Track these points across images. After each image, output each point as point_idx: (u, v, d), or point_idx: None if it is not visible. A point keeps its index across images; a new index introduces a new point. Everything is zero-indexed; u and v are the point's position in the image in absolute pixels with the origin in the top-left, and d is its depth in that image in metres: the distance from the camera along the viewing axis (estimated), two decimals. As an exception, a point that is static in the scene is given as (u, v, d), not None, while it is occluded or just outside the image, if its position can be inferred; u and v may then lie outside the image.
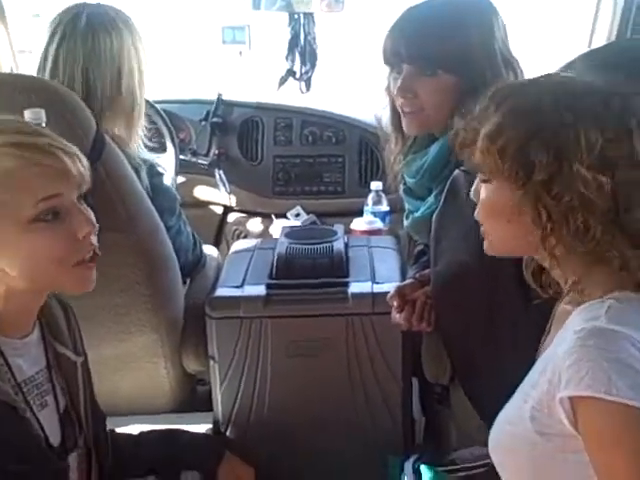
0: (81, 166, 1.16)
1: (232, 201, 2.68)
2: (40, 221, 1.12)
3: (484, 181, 1.10)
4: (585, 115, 1.00)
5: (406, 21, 1.68)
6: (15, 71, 2.49)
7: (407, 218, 1.86)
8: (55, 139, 1.16)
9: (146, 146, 1.91)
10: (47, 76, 1.76)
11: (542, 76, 1.10)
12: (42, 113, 1.41)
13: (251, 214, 2.70)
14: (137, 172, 1.75)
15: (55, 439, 1.25)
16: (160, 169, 1.88)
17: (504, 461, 1.14)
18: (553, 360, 1.02)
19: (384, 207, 2.31)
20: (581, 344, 0.97)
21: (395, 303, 1.61)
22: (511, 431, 1.09)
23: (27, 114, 1.41)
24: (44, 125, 1.41)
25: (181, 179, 2.45)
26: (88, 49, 1.74)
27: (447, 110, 1.66)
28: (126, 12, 1.84)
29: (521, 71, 1.69)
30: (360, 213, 2.31)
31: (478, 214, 1.13)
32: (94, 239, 1.20)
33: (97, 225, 1.20)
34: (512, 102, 1.05)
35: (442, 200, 1.52)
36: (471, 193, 1.15)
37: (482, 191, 1.11)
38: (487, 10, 1.68)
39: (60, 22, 1.77)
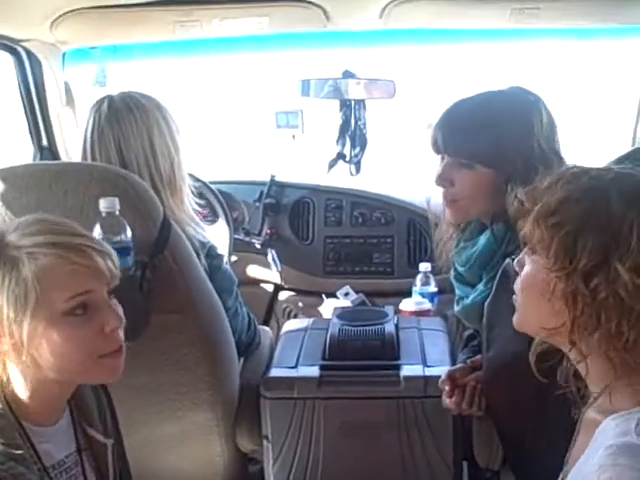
0: (111, 263, 1.22)
1: (283, 280, 2.74)
2: (71, 315, 1.19)
3: (531, 252, 1.10)
4: None
5: (451, 113, 1.75)
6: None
7: (457, 304, 1.89)
8: (88, 238, 1.23)
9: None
10: (88, 161, 1.85)
11: (612, 166, 1.11)
12: (116, 202, 1.50)
13: (301, 293, 2.77)
14: (197, 254, 1.81)
15: None
16: (219, 251, 1.94)
17: None
18: (585, 475, 1.00)
19: (432, 288, 2.34)
20: (612, 463, 0.96)
21: (446, 387, 1.64)
22: None
23: (102, 203, 1.50)
24: (117, 213, 1.50)
25: (234, 257, 2.52)
26: (115, 129, 1.83)
27: (482, 202, 1.72)
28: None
29: (560, 167, 1.73)
30: (409, 294, 2.35)
31: (516, 284, 1.14)
32: (121, 333, 1.25)
33: (124, 319, 1.25)
34: (577, 184, 1.05)
35: (494, 288, 1.55)
36: (514, 263, 1.16)
37: (528, 263, 1.11)
38: (527, 107, 1.72)
39: (88, 115, 1.88)
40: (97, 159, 1.84)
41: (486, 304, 1.57)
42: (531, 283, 1.10)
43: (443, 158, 1.76)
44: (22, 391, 1.22)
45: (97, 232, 1.48)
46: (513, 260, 1.47)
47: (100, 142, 1.84)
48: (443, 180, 1.74)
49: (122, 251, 1.50)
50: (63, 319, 1.18)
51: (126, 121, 1.84)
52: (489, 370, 1.58)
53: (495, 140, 1.67)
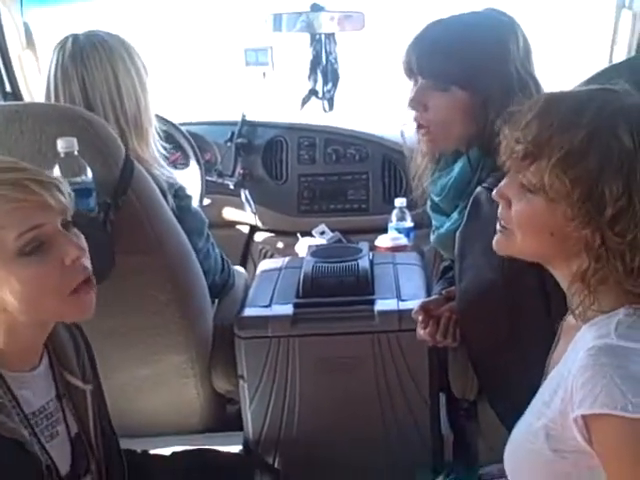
0: (61, 195, 1.16)
1: (258, 221, 2.72)
2: (25, 254, 1.13)
3: (524, 190, 1.08)
4: None
5: (420, 37, 1.70)
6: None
7: (433, 234, 1.87)
8: (31, 172, 1.16)
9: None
10: (52, 102, 1.81)
11: (604, 90, 1.09)
12: (74, 142, 1.45)
13: (277, 233, 2.74)
14: (164, 195, 1.78)
15: (65, 468, 1.26)
16: (188, 192, 1.91)
17: (519, 478, 1.15)
18: (565, 378, 1.02)
19: (408, 223, 2.33)
20: (593, 362, 0.98)
21: (420, 318, 1.63)
22: (526, 448, 1.10)
23: (60, 143, 1.45)
24: (76, 153, 1.46)
25: (207, 200, 2.48)
26: (79, 68, 1.78)
27: (457, 127, 1.68)
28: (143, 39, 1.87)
29: (538, 92, 1.70)
30: (384, 230, 2.33)
31: (508, 217, 1.11)
32: (86, 262, 1.19)
33: (86, 248, 1.19)
34: (591, 124, 1.02)
35: (465, 217, 1.53)
36: (494, 194, 1.14)
37: (522, 200, 1.09)
38: (504, 29, 1.68)
39: (52, 52, 1.83)
40: (60, 98, 1.80)
41: (457, 233, 1.55)
42: (533, 222, 1.08)
43: (416, 82, 1.71)
44: None
45: (56, 173, 1.43)
46: (485, 189, 1.46)
47: (64, 81, 1.79)
48: (417, 103, 1.69)
49: (83, 192, 1.46)
50: (18, 260, 1.13)
51: (90, 59, 1.78)
52: (462, 299, 1.57)
53: (473, 61, 1.63)
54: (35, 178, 1.14)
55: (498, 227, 1.15)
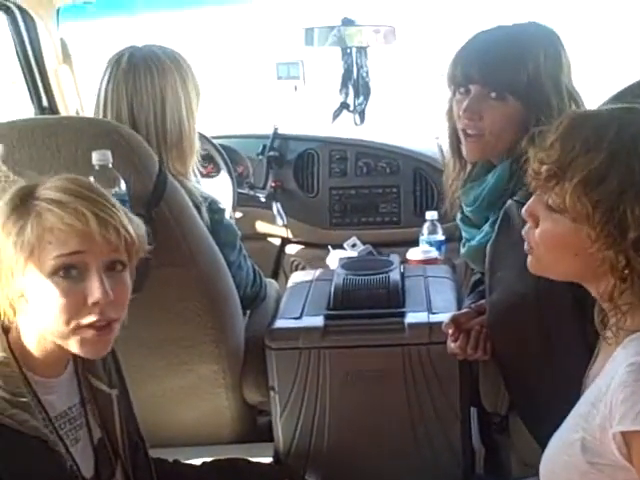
0: (114, 235, 1.18)
1: (289, 233, 2.73)
2: (58, 276, 1.17)
3: (549, 210, 1.09)
4: None
5: (480, 44, 1.70)
6: (81, 113, 2.60)
7: (464, 246, 1.87)
8: (97, 205, 1.18)
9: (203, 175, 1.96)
10: (100, 116, 1.85)
11: (626, 110, 1.09)
12: (109, 154, 1.48)
13: (308, 245, 2.76)
14: (198, 208, 1.79)
15: (89, 473, 1.28)
16: (221, 205, 1.93)
17: None
18: (604, 393, 1.02)
19: (439, 236, 2.32)
20: (635, 378, 0.98)
21: (450, 331, 1.62)
22: (562, 460, 1.10)
23: (94, 155, 1.48)
24: (110, 166, 1.48)
25: (239, 213, 2.51)
26: (130, 86, 1.81)
27: (508, 138, 1.67)
28: (181, 52, 1.90)
29: (582, 104, 1.69)
30: (416, 243, 2.33)
31: (533, 237, 1.12)
32: (109, 311, 1.20)
33: (112, 297, 1.19)
34: (611, 146, 1.03)
35: (496, 230, 1.53)
36: (523, 212, 1.14)
37: (547, 219, 1.09)
38: (556, 43, 1.69)
39: (106, 65, 1.86)
40: (108, 114, 1.83)
41: (488, 246, 1.54)
42: (558, 242, 1.09)
43: (463, 92, 1.70)
44: (26, 342, 1.23)
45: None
46: (516, 202, 1.46)
47: (113, 97, 1.82)
48: (472, 113, 1.68)
49: (117, 204, 1.48)
50: (51, 278, 1.17)
51: (142, 79, 1.81)
52: (492, 313, 1.56)
53: (532, 71, 1.63)
54: (98, 213, 1.17)
55: (526, 247, 1.16)
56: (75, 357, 1.32)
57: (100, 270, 1.19)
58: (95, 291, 1.18)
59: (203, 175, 2.06)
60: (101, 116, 1.84)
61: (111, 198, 1.25)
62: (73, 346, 1.22)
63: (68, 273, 1.17)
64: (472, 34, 1.73)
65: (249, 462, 1.63)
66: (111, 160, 1.48)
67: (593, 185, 1.02)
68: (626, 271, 1.02)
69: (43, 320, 1.20)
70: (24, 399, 1.18)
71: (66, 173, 1.26)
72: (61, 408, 1.27)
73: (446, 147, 1.86)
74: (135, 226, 1.24)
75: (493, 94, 1.66)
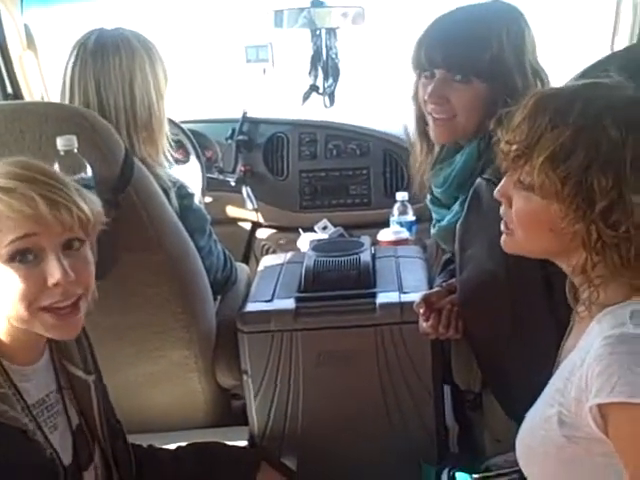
0: (66, 215, 1.16)
1: (260, 217, 2.72)
2: (15, 262, 1.16)
3: (520, 186, 1.10)
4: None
5: (442, 27, 1.69)
6: (46, 98, 2.56)
7: (434, 227, 1.87)
8: (47, 187, 1.16)
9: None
10: (67, 100, 1.81)
11: (591, 85, 1.10)
12: (74, 140, 1.46)
13: (279, 229, 2.75)
14: (166, 193, 1.78)
15: (68, 458, 1.28)
16: (190, 190, 1.91)
17: (532, 465, 1.16)
18: (579, 366, 1.03)
19: (410, 217, 2.32)
20: (610, 351, 0.98)
21: (421, 311, 1.63)
22: (538, 435, 1.11)
23: (59, 141, 1.46)
24: (75, 151, 1.46)
25: (209, 198, 2.49)
26: (98, 67, 1.78)
27: (476, 119, 1.66)
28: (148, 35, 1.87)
29: (548, 82, 1.70)
30: (386, 224, 2.33)
31: (510, 218, 1.13)
32: (74, 289, 1.20)
33: (72, 276, 1.18)
34: (576, 121, 1.03)
35: (465, 209, 1.53)
36: (495, 193, 1.15)
37: (520, 198, 1.10)
38: (519, 20, 1.69)
39: (73, 47, 1.82)
40: (75, 96, 1.79)
41: (457, 225, 1.55)
42: (531, 220, 1.10)
43: (428, 76, 1.70)
44: None
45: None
46: (485, 180, 1.46)
47: (80, 78, 1.79)
48: (438, 97, 1.67)
49: (83, 190, 1.47)
50: (8, 265, 1.16)
51: (110, 59, 1.77)
52: (463, 291, 1.57)
53: (495, 53, 1.62)
54: (47, 195, 1.15)
55: (502, 227, 1.16)
56: (51, 344, 1.31)
57: (57, 250, 1.18)
58: (54, 272, 1.17)
59: (177, 161, 2.04)
60: (67, 99, 1.81)
61: (61, 177, 1.22)
62: (40, 329, 1.21)
63: (24, 258, 1.16)
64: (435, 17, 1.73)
65: (224, 445, 1.63)
66: (76, 145, 1.46)
67: (560, 160, 1.03)
68: (598, 244, 1.03)
69: (6, 307, 1.19)
70: (2, 390, 1.18)
71: (30, 158, 1.24)
72: (38, 396, 1.26)
73: (412, 129, 1.85)
74: (89, 202, 1.21)
75: (458, 77, 1.65)
